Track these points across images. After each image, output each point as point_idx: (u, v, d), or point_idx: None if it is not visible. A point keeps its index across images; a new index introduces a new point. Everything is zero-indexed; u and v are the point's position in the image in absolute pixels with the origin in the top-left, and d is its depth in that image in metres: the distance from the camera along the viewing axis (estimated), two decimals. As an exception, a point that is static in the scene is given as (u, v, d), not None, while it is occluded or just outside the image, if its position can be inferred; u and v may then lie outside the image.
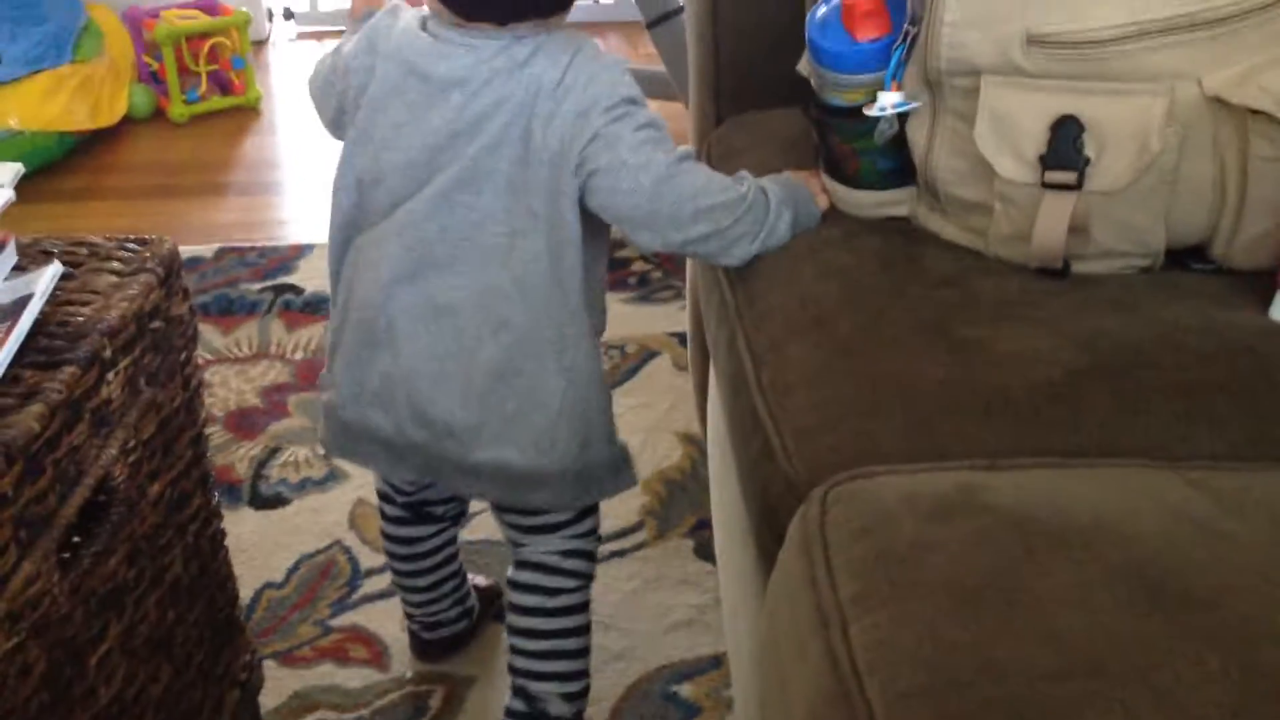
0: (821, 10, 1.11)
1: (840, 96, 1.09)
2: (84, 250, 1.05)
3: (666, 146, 1.09)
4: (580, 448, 1.15)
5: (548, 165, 1.07)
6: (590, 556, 1.25)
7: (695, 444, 1.70)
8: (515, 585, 1.24)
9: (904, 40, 1.04)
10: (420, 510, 1.31)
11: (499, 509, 1.24)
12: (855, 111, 1.07)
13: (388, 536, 1.33)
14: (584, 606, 1.25)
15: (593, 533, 1.24)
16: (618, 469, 1.20)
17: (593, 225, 1.11)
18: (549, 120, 1.06)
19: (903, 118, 1.06)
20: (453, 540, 1.36)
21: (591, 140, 1.06)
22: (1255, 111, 0.93)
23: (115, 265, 1.02)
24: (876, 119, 1.05)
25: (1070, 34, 0.95)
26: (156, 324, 1.01)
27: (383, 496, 1.32)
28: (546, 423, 1.13)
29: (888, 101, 1.04)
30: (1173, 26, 0.93)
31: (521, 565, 1.24)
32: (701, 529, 1.56)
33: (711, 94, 1.43)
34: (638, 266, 2.11)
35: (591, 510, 1.23)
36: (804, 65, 1.15)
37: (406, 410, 1.13)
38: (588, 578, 1.25)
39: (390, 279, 1.11)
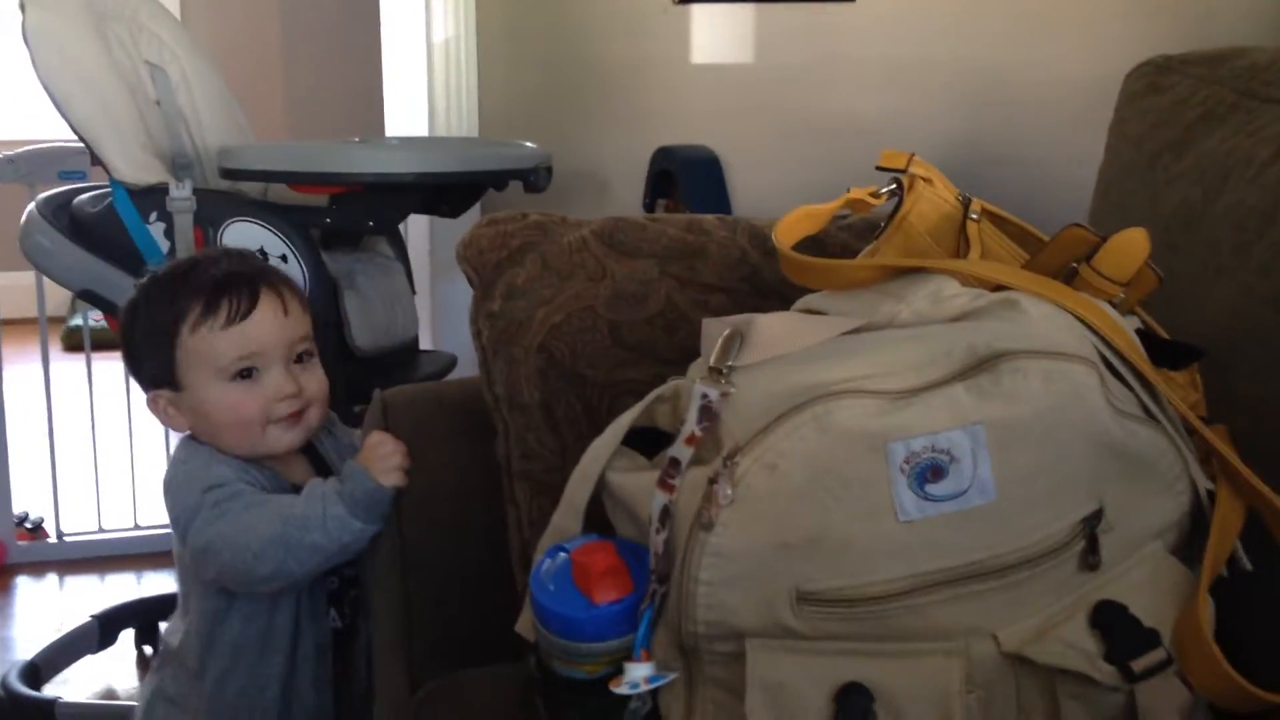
0: (547, 565, 0.95)
1: (577, 669, 0.92)
2: None
3: None
4: None
5: None
6: None
7: None
8: None
9: (651, 599, 0.89)
10: None
11: None
12: (597, 686, 0.90)
13: None
14: None
15: None
16: None
17: None
18: None
19: (656, 692, 0.89)
20: None
21: None
22: (1062, 670, 0.82)
23: None
24: (627, 696, 0.88)
25: (844, 589, 0.82)
26: None
27: None
28: None
29: (638, 675, 0.87)
30: (957, 577, 0.82)
31: None
32: None
33: (404, 658, 1.24)
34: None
35: None
36: (526, 626, 0.97)
37: None
38: None
39: None
